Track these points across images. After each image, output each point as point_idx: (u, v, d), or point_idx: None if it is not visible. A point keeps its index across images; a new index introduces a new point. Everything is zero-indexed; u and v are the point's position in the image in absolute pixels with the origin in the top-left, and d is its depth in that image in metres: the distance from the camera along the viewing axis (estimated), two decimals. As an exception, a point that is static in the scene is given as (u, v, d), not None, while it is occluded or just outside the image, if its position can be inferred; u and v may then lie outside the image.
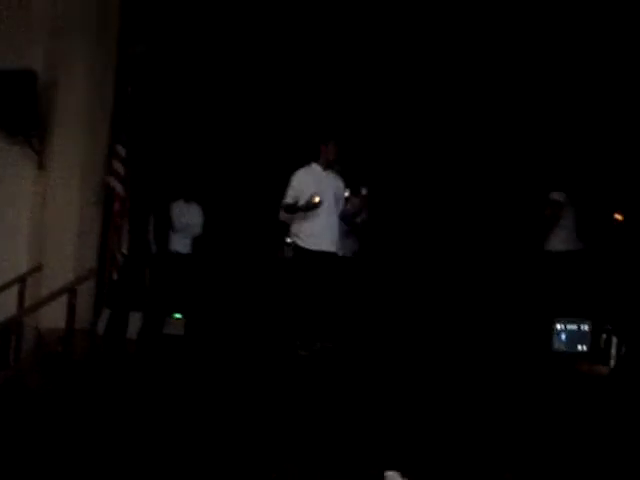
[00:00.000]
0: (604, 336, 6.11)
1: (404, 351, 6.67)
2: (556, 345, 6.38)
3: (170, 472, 3.61)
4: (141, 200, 7.41)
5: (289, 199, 6.67)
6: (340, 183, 6.88)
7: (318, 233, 6.58)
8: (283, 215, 7.52)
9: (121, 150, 7.13)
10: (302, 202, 6.53)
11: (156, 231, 7.95)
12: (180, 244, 8.28)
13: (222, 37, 8.43)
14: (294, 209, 6.65)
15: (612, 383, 5.62)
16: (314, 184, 6.60)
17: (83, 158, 7.19)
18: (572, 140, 8.10)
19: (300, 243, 6.62)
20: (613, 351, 6.00)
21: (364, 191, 7.20)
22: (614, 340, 6.05)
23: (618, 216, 8.01)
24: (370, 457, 3.64)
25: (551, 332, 6.33)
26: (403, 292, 8.34)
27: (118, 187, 7.06)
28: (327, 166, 6.75)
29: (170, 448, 3.89)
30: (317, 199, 6.44)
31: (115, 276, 7.06)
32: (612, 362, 5.92)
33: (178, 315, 7.59)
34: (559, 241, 7.33)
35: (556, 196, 7.33)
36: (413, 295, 8.30)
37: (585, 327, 6.33)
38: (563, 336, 6.37)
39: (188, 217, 8.30)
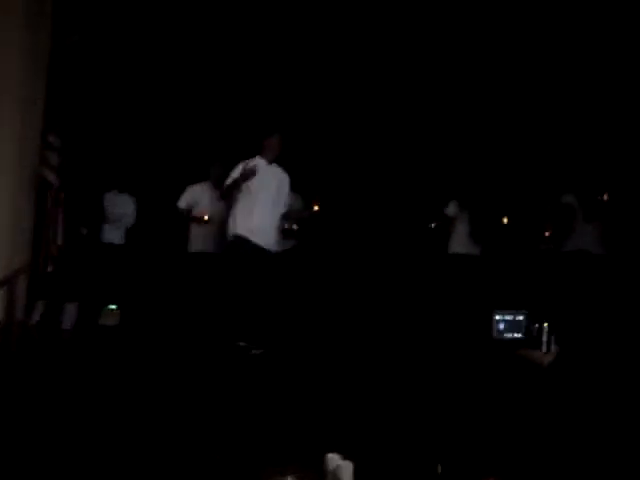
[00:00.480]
0: (537, 325, 6.68)
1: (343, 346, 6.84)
2: (495, 333, 6.89)
3: (103, 462, 3.62)
4: (75, 191, 7.38)
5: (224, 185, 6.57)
6: (284, 177, 6.71)
7: (257, 228, 6.44)
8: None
9: (55, 140, 7.09)
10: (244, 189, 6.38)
11: (88, 222, 7.95)
12: (113, 235, 8.28)
13: (157, 26, 8.39)
14: (231, 186, 6.45)
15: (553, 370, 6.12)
16: (257, 176, 6.43)
17: (15, 149, 7.03)
18: (465, 153, 8.92)
19: (239, 232, 6.43)
20: (544, 338, 6.59)
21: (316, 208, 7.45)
22: (545, 328, 6.65)
23: (505, 220, 8.83)
24: (310, 443, 3.78)
25: (490, 322, 6.85)
26: (339, 292, 8.52)
27: (52, 178, 7.02)
28: (271, 160, 6.58)
29: (104, 438, 3.91)
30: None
31: (50, 268, 7.03)
32: (544, 347, 6.49)
33: (113, 306, 7.59)
34: (457, 245, 8.15)
35: (449, 212, 8.17)
36: (347, 294, 8.51)
37: (520, 317, 6.87)
38: (501, 325, 6.88)
39: (121, 207, 8.31)
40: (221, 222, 7.36)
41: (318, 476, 3.27)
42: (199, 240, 7.70)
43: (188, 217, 7.72)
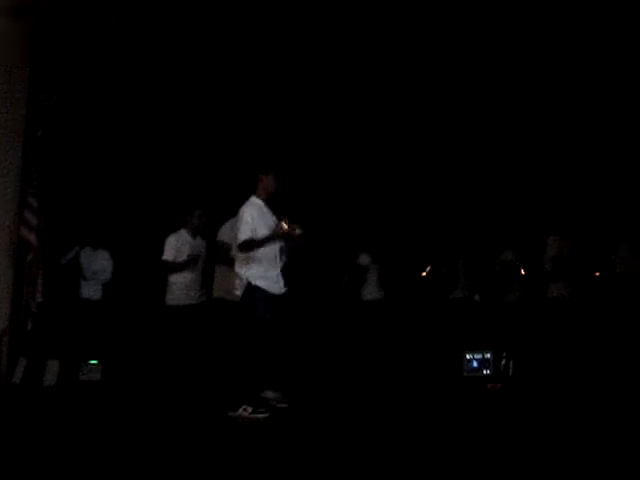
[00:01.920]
0: (503, 362, 7.26)
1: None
2: (466, 371, 7.46)
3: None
4: (53, 249, 7.47)
5: (244, 235, 5.81)
6: (275, 218, 6.10)
7: (271, 274, 5.93)
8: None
9: (33, 200, 7.20)
10: (259, 236, 5.80)
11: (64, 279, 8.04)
12: (91, 290, 8.36)
13: (131, 78, 8.54)
14: (262, 241, 5.83)
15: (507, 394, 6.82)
16: (262, 218, 5.94)
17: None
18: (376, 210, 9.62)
19: (258, 283, 5.82)
20: (510, 372, 7.13)
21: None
22: (510, 364, 7.21)
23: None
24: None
25: (462, 361, 7.44)
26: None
27: (31, 238, 7.12)
28: (267, 199, 6.05)
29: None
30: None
31: (30, 325, 7.10)
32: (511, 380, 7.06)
33: (94, 361, 7.60)
34: (367, 292, 9.11)
35: (361, 261, 9.08)
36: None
37: (488, 355, 7.47)
38: (473, 363, 7.45)
39: (97, 264, 8.41)
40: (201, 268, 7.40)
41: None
42: (180, 289, 7.34)
43: (176, 266, 7.25)
